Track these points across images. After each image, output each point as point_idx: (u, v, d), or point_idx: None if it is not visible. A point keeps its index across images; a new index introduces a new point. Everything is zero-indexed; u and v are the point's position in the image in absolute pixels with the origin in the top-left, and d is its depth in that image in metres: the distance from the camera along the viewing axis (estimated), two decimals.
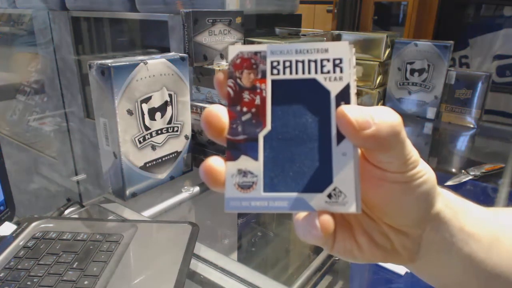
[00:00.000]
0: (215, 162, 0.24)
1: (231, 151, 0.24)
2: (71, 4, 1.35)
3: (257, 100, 0.24)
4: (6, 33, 1.74)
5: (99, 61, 0.60)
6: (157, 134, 0.69)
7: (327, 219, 0.23)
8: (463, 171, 0.85)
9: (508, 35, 1.66)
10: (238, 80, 0.24)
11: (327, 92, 0.23)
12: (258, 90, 0.24)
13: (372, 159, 0.24)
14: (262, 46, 0.24)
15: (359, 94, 1.21)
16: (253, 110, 0.24)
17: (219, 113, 0.24)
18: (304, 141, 0.24)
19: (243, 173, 0.24)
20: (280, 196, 0.24)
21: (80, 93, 1.44)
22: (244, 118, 0.24)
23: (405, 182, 0.24)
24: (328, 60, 0.23)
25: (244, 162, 0.24)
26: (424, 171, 0.25)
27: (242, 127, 0.24)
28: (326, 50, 0.23)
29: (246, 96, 0.24)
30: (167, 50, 1.09)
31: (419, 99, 1.16)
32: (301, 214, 0.25)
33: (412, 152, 0.24)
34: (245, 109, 0.24)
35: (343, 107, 0.23)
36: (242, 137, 0.24)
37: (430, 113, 1.15)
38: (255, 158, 0.24)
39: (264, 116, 0.24)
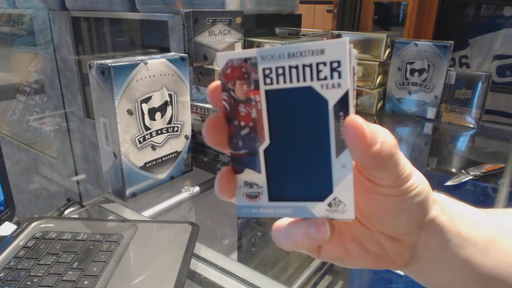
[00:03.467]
0: (226, 176, 0.25)
1: (236, 164, 0.25)
2: (71, 4, 1.34)
3: (253, 114, 0.23)
4: (6, 33, 1.74)
5: (99, 61, 0.60)
6: (157, 134, 0.69)
7: (325, 224, 0.24)
8: (463, 171, 0.85)
9: (508, 35, 1.66)
10: (232, 93, 0.23)
11: (324, 101, 0.22)
12: (253, 103, 0.23)
13: (366, 173, 0.24)
14: (252, 51, 0.22)
15: (359, 94, 1.21)
16: (251, 124, 0.24)
17: (219, 126, 0.24)
18: (305, 152, 0.24)
19: (249, 184, 0.25)
20: (285, 205, 0.25)
21: (80, 93, 1.44)
22: (243, 132, 0.24)
23: (398, 195, 0.24)
24: (324, 64, 0.21)
25: (249, 175, 0.25)
26: (417, 183, 0.24)
27: (242, 142, 0.24)
28: (322, 52, 0.21)
29: (242, 109, 0.24)
30: (167, 50, 1.09)
31: (419, 99, 1.16)
32: (281, 223, 0.26)
33: (406, 167, 0.24)
34: (242, 123, 0.24)
35: (355, 118, 0.21)
36: (243, 151, 0.24)
37: (430, 113, 1.15)
38: (258, 171, 0.24)
39: (262, 129, 0.24)
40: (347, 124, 0.21)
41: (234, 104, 0.24)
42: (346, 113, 0.22)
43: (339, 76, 0.21)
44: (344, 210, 0.23)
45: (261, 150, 0.24)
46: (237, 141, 0.24)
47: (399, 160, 0.23)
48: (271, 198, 0.25)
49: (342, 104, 0.22)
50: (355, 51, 0.22)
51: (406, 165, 0.24)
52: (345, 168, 0.23)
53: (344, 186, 0.23)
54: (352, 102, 0.22)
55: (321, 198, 0.24)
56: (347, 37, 0.22)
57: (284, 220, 0.26)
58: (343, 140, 0.22)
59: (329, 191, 0.23)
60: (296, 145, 0.23)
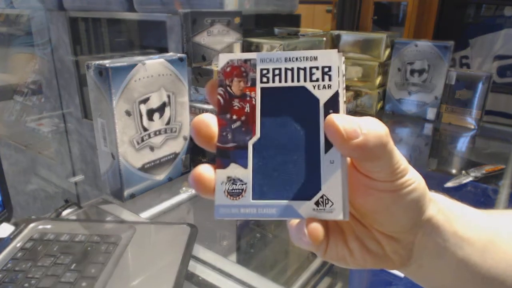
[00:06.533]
0: (204, 170, 0.24)
1: (221, 158, 0.25)
2: (69, 4, 1.34)
3: (247, 108, 0.25)
4: (4, 34, 1.73)
5: (97, 62, 0.60)
6: (155, 135, 0.68)
7: (316, 227, 0.23)
8: (463, 172, 0.85)
9: (509, 35, 1.66)
10: (228, 88, 0.25)
11: (316, 100, 0.24)
12: (248, 98, 0.24)
13: (361, 168, 0.24)
14: (252, 54, 0.25)
15: (358, 94, 1.21)
16: (243, 118, 0.25)
17: (208, 121, 0.25)
18: (293, 148, 0.24)
19: (232, 180, 0.24)
20: (269, 204, 0.24)
21: (78, 93, 1.44)
22: (234, 126, 0.25)
23: (394, 190, 0.24)
24: (317, 68, 0.24)
25: (234, 169, 0.24)
26: (413, 180, 0.25)
27: (232, 135, 0.25)
28: (315, 58, 0.24)
29: (236, 104, 0.25)
30: (165, 50, 1.09)
31: (419, 100, 1.16)
32: (294, 221, 0.25)
33: (401, 161, 0.24)
34: (235, 117, 0.25)
35: (332, 116, 0.23)
36: (232, 144, 0.25)
37: (430, 113, 1.15)
38: (245, 165, 0.24)
39: (253, 124, 0.24)
40: (325, 122, 0.23)
41: (228, 98, 0.25)
42: (336, 111, 0.23)
43: (330, 79, 0.24)
44: (332, 209, 0.23)
45: (250, 143, 0.24)
46: (226, 134, 0.25)
47: (393, 152, 0.23)
48: (255, 196, 0.24)
49: (332, 103, 0.23)
50: (343, 57, 0.24)
51: (401, 160, 0.24)
52: (334, 164, 0.23)
53: (332, 183, 0.23)
54: (342, 102, 0.23)
55: (308, 197, 0.23)
56: (336, 49, 0.24)
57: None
58: None
59: (317, 188, 0.23)
60: (285, 140, 0.24)
